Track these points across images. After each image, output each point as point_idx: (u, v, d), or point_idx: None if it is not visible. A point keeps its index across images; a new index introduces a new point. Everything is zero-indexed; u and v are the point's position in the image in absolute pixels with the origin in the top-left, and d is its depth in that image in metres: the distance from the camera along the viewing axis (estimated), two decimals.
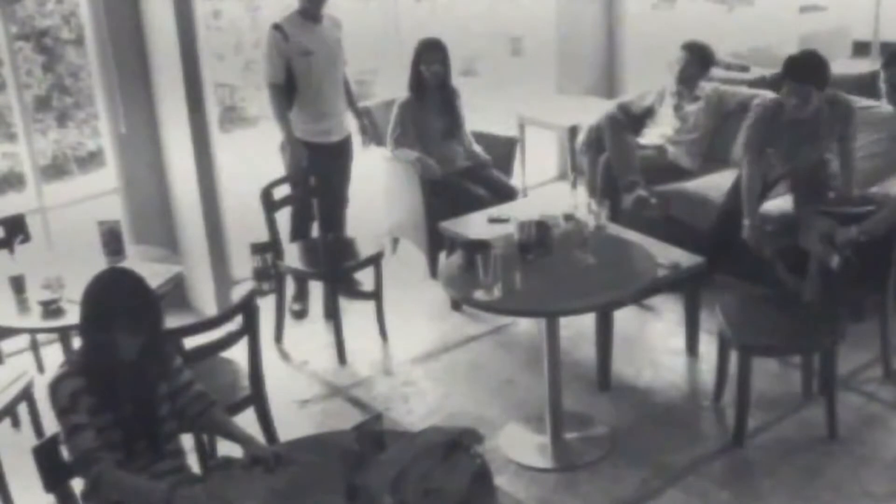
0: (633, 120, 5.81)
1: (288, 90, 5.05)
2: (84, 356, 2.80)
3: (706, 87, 5.71)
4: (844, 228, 4.01)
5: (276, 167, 5.20)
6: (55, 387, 2.73)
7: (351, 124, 5.39)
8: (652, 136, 5.73)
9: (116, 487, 2.70)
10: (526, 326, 5.00)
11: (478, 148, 5.68)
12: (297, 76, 5.03)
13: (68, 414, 2.70)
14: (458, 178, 5.53)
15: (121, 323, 2.74)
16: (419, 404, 4.45)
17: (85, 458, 2.69)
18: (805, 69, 4.53)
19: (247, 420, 3.57)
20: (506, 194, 5.48)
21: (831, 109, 4.65)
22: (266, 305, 4.62)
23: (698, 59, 5.62)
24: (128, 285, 2.83)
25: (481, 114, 5.72)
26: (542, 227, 4.00)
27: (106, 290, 2.80)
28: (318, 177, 5.09)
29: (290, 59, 4.99)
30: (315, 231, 5.37)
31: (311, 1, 4.99)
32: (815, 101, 4.53)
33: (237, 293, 5.22)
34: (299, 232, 5.29)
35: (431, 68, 5.41)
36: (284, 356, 4.96)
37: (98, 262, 4.20)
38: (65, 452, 2.75)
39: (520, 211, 4.66)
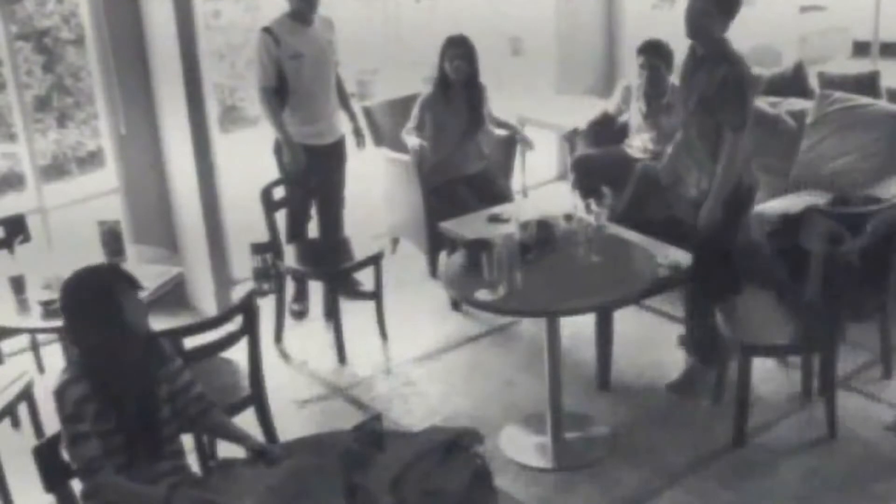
0: (615, 131, 5.80)
1: (280, 93, 5.03)
2: (87, 357, 2.79)
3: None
4: (859, 238, 3.95)
5: (275, 167, 5.20)
6: (61, 393, 2.72)
7: (345, 126, 5.37)
8: (635, 148, 5.65)
9: (117, 494, 2.72)
10: (526, 326, 5.00)
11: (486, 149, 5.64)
12: (288, 79, 4.99)
13: (73, 422, 2.70)
14: (461, 186, 5.47)
15: (125, 303, 2.76)
16: (419, 404, 4.45)
17: (88, 467, 2.70)
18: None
19: (247, 420, 3.57)
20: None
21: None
22: (266, 305, 4.63)
23: (665, 62, 5.33)
24: (110, 273, 2.87)
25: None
26: (545, 225, 4.00)
27: (98, 283, 2.81)
28: (313, 179, 5.09)
29: (282, 62, 4.96)
30: (311, 231, 5.37)
31: (303, 2, 4.95)
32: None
33: (237, 293, 5.22)
34: (295, 233, 5.28)
35: (454, 63, 5.36)
36: (284, 356, 4.96)
37: (98, 263, 4.20)
38: (66, 455, 2.75)
39: (519, 211, 4.66)
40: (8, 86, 5.10)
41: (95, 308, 2.75)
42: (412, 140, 5.43)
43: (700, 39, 4.07)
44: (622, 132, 5.77)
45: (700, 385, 4.32)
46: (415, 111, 5.52)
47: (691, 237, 4.25)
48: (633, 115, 5.67)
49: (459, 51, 5.38)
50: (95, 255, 4.29)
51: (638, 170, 5.26)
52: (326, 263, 4.98)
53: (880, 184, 4.93)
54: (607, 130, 5.92)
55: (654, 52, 5.33)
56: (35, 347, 4.77)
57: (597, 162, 5.70)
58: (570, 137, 6.13)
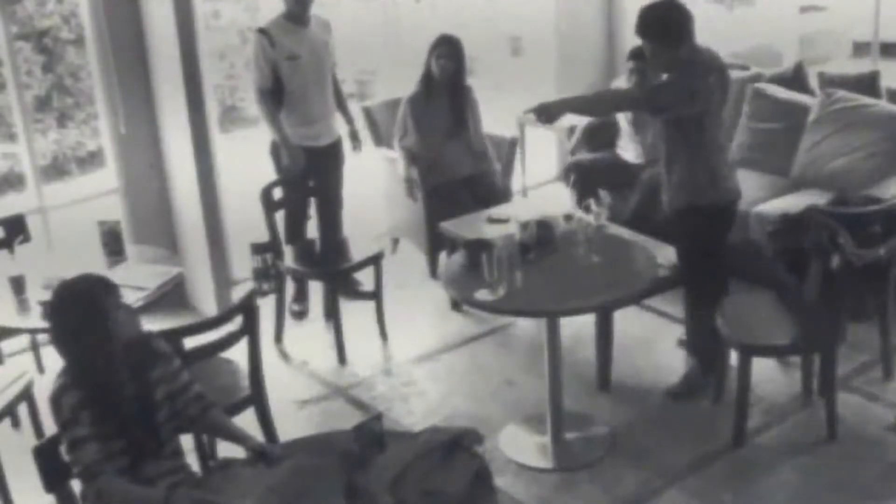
0: (610, 133, 5.79)
1: (276, 94, 5.02)
2: (76, 366, 2.79)
3: None
4: (871, 250, 3.95)
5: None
6: (57, 400, 2.73)
7: (342, 127, 5.36)
8: (628, 152, 5.66)
9: (118, 497, 2.72)
10: (526, 326, 5.00)
11: (491, 152, 5.59)
12: (284, 80, 4.99)
13: (71, 427, 2.70)
14: (459, 187, 5.45)
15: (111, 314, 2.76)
16: (419, 404, 4.45)
17: (88, 471, 2.70)
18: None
19: (247, 420, 3.57)
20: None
21: None
22: (266, 305, 4.62)
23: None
24: (97, 285, 2.84)
25: (481, 114, 5.69)
26: (545, 225, 4.00)
27: (87, 292, 2.81)
28: (311, 180, 5.09)
29: (277, 63, 4.95)
30: (309, 232, 5.36)
31: (297, 3, 4.95)
32: None
33: (237, 293, 5.22)
34: (294, 233, 5.28)
35: (440, 62, 5.35)
36: (284, 356, 4.96)
37: (98, 262, 4.21)
38: (66, 456, 2.75)
39: (519, 211, 4.66)
40: (8, 86, 5.10)
41: (83, 322, 2.75)
42: (403, 166, 5.41)
43: (675, 71, 4.09)
44: (617, 133, 5.80)
45: (700, 392, 4.32)
46: (399, 115, 5.49)
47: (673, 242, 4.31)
48: (622, 120, 5.69)
49: (447, 49, 5.35)
50: (95, 255, 4.30)
51: (644, 177, 5.26)
52: (326, 263, 4.98)
53: (881, 184, 4.93)
54: (603, 132, 5.93)
55: (644, 58, 5.30)
56: (35, 347, 4.77)
57: (592, 167, 5.70)
58: (574, 141, 6.16)
